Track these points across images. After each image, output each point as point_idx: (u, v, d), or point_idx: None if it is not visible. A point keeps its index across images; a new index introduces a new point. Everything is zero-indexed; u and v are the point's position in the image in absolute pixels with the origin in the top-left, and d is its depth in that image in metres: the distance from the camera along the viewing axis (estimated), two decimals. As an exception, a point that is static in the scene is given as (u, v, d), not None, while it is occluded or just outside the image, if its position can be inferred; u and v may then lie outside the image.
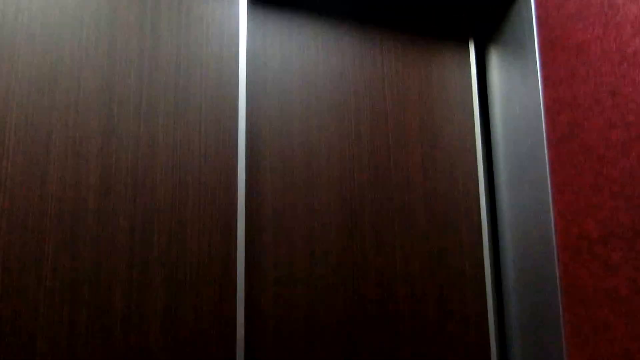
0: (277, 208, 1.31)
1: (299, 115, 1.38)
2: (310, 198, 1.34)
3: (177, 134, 1.20)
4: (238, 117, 1.25)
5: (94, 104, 1.15)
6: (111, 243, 1.12)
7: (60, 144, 1.12)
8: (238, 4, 1.30)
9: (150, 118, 1.18)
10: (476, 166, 1.56)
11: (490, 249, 1.51)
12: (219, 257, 1.19)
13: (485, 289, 1.50)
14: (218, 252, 1.19)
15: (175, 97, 1.21)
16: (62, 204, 1.09)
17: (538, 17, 1.38)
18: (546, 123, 1.33)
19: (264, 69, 1.36)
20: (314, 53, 1.42)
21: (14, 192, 1.07)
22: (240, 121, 1.25)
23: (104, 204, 1.13)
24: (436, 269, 1.46)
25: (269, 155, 1.33)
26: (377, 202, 1.42)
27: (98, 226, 1.11)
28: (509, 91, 1.50)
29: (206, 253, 1.18)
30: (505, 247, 1.50)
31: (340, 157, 1.39)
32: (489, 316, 1.49)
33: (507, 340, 1.50)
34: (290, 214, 1.32)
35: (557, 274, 1.27)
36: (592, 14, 1.20)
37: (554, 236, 1.28)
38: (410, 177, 1.47)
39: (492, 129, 1.59)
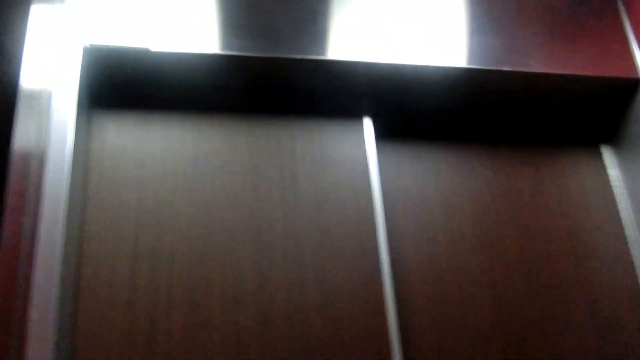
0: (433, 340, 1.29)
1: (442, 239, 1.40)
2: (465, 331, 1.32)
3: (326, 273, 1.25)
4: (379, 249, 1.29)
5: (246, 252, 1.23)
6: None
7: (218, 291, 1.19)
8: (364, 143, 1.40)
9: (297, 260, 1.25)
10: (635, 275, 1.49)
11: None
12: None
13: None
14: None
15: (318, 237, 1.28)
16: (225, 350, 1.14)
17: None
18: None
19: (399, 200, 1.42)
20: (447, 178, 1.49)
21: (181, 342, 1.13)
22: (382, 253, 1.29)
23: (263, 346, 1.16)
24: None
25: (418, 284, 1.34)
26: (537, 315, 1.37)
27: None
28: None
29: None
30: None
31: (490, 278, 1.38)
32: None
33: None
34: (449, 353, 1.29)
35: None
36: None
37: None
38: (566, 288, 1.42)
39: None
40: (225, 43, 1.27)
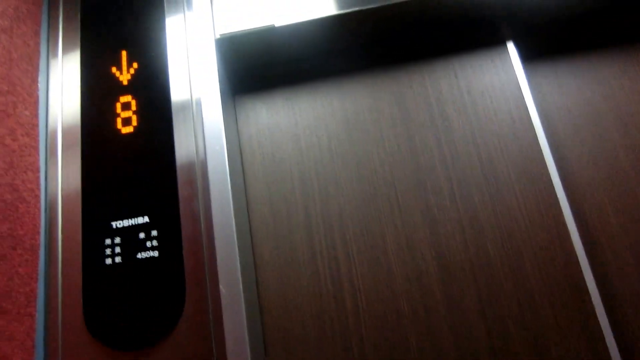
0: (623, 248, 1.23)
1: (622, 155, 1.32)
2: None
3: (496, 207, 1.25)
4: (550, 173, 1.25)
5: (412, 201, 1.27)
6: (467, 329, 1.16)
7: (394, 243, 1.24)
8: (513, 68, 1.36)
9: (466, 200, 1.26)
10: None
11: None
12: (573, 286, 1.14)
13: None
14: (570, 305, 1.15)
15: (482, 173, 1.28)
16: (411, 297, 1.19)
17: None
18: None
19: (563, 119, 1.37)
20: (616, 85, 1.39)
21: (368, 294, 1.20)
22: (554, 176, 1.25)
23: (448, 290, 1.19)
24: None
25: (601, 207, 1.28)
26: None
27: (449, 313, 1.17)
28: None
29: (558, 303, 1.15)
30: None
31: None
32: None
33: None
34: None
35: None
36: None
37: None
38: None
39: None
40: (342, 2, 1.30)
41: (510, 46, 1.39)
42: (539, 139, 1.29)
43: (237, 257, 1.06)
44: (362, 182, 1.31)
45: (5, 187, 1.04)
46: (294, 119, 1.39)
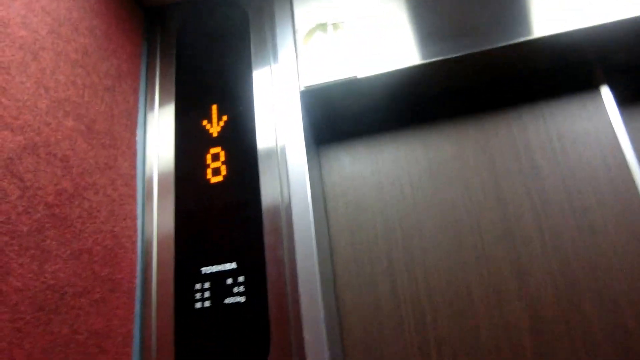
0: None
1: None
2: None
3: (592, 258, 1.22)
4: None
5: (500, 251, 1.28)
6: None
7: (481, 294, 1.25)
8: (607, 113, 1.35)
9: (558, 251, 1.24)
10: None
11: None
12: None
13: None
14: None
15: (576, 223, 1.26)
16: (499, 350, 1.18)
17: None
18: None
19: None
20: None
21: (454, 345, 1.21)
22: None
23: (540, 345, 1.17)
24: None
25: None
26: None
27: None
28: None
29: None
30: None
31: None
32: None
33: None
34: None
35: None
36: None
37: None
38: None
39: None
40: (426, 52, 1.35)
41: (605, 90, 1.38)
42: (638, 187, 1.26)
43: (321, 304, 1.11)
44: (446, 231, 1.33)
45: (107, 234, 1.16)
46: (377, 168, 1.45)
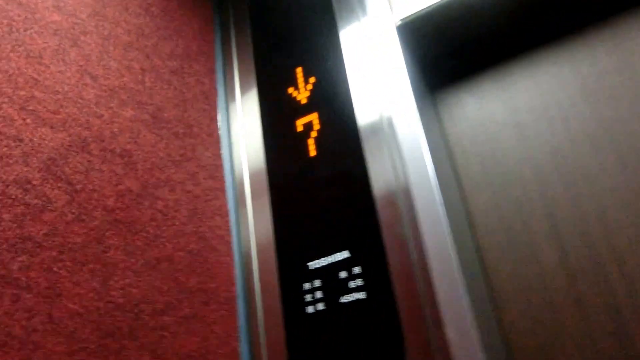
0: None
1: None
2: None
3: None
4: None
5: None
6: None
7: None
8: None
9: None
10: None
11: None
12: None
13: None
14: None
15: None
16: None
17: None
18: None
19: None
20: None
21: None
22: None
23: None
24: None
25: None
26: None
27: None
28: None
29: None
30: None
31: None
32: None
33: None
34: None
35: None
36: None
37: None
38: None
39: None
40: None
41: None
42: None
43: (464, 291, 0.83)
44: (626, 169, 0.98)
45: (190, 237, 0.99)
46: (513, 105, 1.13)
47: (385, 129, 1.01)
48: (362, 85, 1.07)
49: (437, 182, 0.93)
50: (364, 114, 1.05)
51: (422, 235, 0.90)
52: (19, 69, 0.80)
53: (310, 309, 0.96)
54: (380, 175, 0.99)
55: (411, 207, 0.93)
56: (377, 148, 1.01)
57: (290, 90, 1.17)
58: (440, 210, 0.90)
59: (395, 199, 0.96)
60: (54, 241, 0.75)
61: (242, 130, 1.21)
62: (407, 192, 0.94)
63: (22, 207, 0.72)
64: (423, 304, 0.86)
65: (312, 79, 1.15)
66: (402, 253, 0.92)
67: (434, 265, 0.87)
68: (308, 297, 0.97)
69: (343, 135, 1.06)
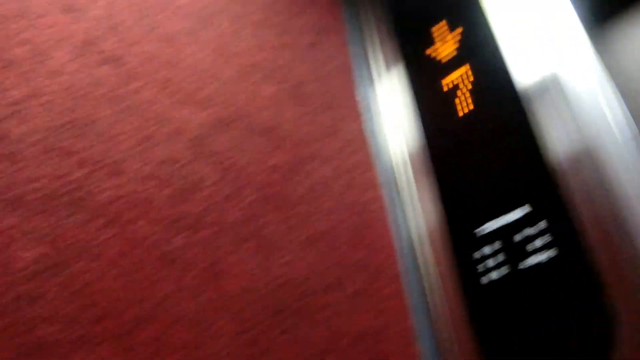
0: None
1: None
2: None
3: None
4: None
5: None
6: None
7: None
8: None
9: None
10: None
11: None
12: None
13: None
14: None
15: None
16: None
17: None
18: None
19: None
20: None
21: None
22: None
23: None
24: None
25: None
26: None
27: None
28: None
29: None
30: None
31: None
32: None
33: None
34: None
35: None
36: None
37: None
38: None
39: None
40: None
41: None
42: None
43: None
44: None
45: (347, 211, 0.92)
46: None
47: (553, 76, 0.87)
48: (516, 27, 0.94)
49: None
50: (524, 59, 0.91)
51: (611, 181, 0.74)
52: (153, 52, 0.79)
53: (494, 275, 0.84)
54: (550, 120, 0.85)
55: (592, 148, 0.78)
56: (543, 92, 0.87)
57: (438, 45, 1.07)
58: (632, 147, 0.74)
59: (572, 142, 0.81)
60: (214, 217, 0.71)
61: (385, 100, 1.12)
62: (584, 133, 0.80)
63: (173, 186, 0.70)
64: (620, 253, 0.71)
65: (458, 29, 1.04)
66: (589, 203, 0.77)
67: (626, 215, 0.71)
68: (490, 262, 0.85)
69: (498, 82, 0.93)
